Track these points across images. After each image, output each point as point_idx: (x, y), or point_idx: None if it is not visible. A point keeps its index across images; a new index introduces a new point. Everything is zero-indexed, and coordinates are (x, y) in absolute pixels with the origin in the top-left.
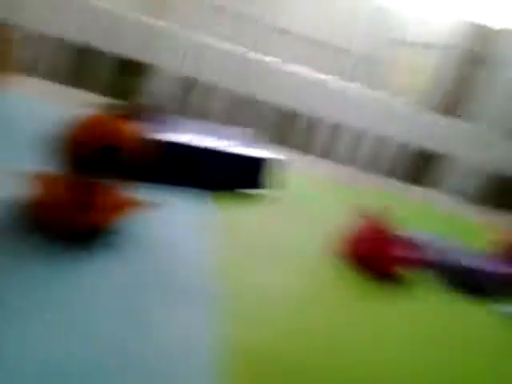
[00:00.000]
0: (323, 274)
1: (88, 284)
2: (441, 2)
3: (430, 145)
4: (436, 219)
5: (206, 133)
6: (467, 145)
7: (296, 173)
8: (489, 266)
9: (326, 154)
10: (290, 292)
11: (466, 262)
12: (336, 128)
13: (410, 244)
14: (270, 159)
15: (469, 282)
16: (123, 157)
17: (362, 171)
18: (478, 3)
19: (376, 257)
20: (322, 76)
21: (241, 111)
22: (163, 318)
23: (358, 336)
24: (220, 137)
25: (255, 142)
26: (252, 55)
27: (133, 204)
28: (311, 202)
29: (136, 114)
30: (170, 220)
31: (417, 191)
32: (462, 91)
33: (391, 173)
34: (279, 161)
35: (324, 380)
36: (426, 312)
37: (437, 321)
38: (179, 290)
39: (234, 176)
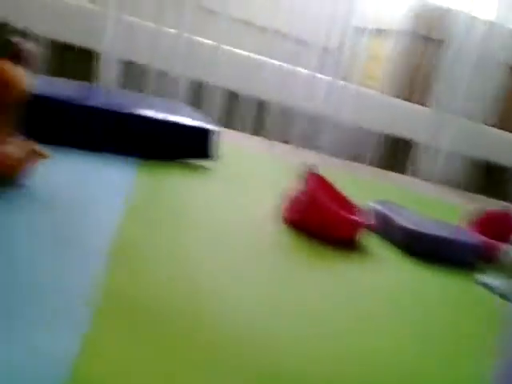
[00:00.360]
0: (257, 240)
1: None
2: None
3: (398, 131)
4: (407, 200)
5: (139, 102)
6: (431, 130)
7: (247, 152)
8: (456, 236)
9: (307, 143)
10: (209, 256)
11: (430, 230)
12: (315, 119)
13: (357, 208)
14: (209, 130)
15: (434, 250)
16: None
17: (335, 157)
18: None
19: (327, 221)
20: (292, 67)
21: (191, 94)
22: (48, 267)
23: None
24: (155, 107)
25: (192, 114)
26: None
27: (33, 155)
28: (255, 175)
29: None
30: (86, 180)
31: (387, 176)
32: (419, 76)
33: (364, 159)
34: (217, 132)
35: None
36: (388, 279)
37: (403, 287)
38: (74, 245)
39: (170, 145)
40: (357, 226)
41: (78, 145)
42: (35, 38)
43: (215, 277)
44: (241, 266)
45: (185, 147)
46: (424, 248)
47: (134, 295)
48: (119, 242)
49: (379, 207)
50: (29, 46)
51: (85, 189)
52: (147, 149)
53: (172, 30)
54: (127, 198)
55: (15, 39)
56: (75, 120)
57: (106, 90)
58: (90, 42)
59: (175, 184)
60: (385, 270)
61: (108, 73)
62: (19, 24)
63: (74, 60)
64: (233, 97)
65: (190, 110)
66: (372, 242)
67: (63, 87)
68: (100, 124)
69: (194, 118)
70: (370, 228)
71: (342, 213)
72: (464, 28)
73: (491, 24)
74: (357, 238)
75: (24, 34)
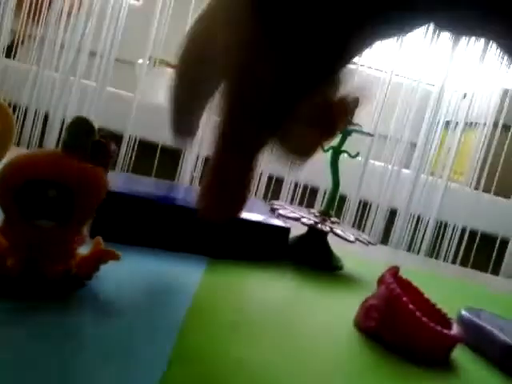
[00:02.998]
0: (333, 354)
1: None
2: (483, 75)
3: (488, 228)
4: (499, 306)
5: None
6: None
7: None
8: None
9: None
10: (273, 371)
11: None
12: (391, 212)
13: (448, 318)
14: (286, 229)
15: None
16: (63, 195)
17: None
18: None
19: (414, 334)
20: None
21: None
22: (98, 380)
23: None
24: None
25: (268, 211)
26: None
27: (101, 254)
28: (340, 277)
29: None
30: (152, 282)
31: (474, 275)
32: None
33: (447, 257)
34: (288, 230)
35: None
36: None
37: None
38: (130, 354)
39: (245, 244)
40: (450, 341)
41: (150, 243)
42: (120, 137)
43: None
44: None
45: (262, 247)
46: None
47: None
48: (180, 353)
49: (472, 317)
50: (113, 147)
51: (149, 290)
52: (220, 248)
53: None
54: (193, 301)
55: (104, 141)
56: (148, 217)
57: (187, 188)
58: (175, 142)
59: (244, 285)
60: None
61: (190, 171)
62: (111, 126)
63: (159, 159)
64: (312, 191)
65: (266, 208)
66: (464, 359)
67: (141, 184)
68: (175, 221)
69: (269, 216)
70: (463, 342)
71: (432, 325)
72: None
73: None
74: (449, 355)
75: (111, 135)
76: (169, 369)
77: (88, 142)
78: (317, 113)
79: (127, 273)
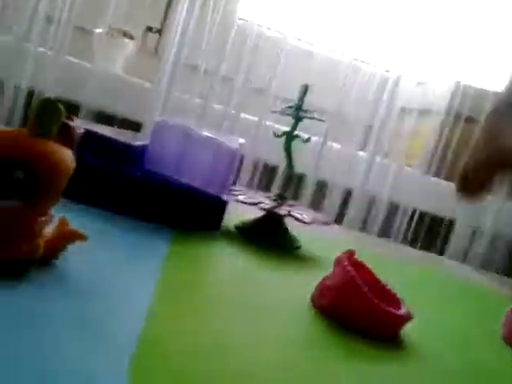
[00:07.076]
0: (286, 327)
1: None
2: (438, 66)
3: (437, 210)
4: (443, 284)
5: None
6: (471, 211)
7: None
8: None
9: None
10: (234, 347)
11: None
12: (349, 194)
13: (398, 298)
14: (224, 201)
15: None
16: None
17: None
18: (476, 66)
19: (366, 314)
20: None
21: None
22: (71, 360)
23: None
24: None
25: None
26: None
27: (67, 234)
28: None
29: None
30: (113, 256)
31: (426, 257)
32: (460, 156)
33: (397, 237)
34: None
35: None
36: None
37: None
38: (99, 334)
39: (194, 215)
40: (399, 320)
41: (116, 208)
42: (78, 108)
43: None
44: (274, 364)
45: (199, 215)
46: None
47: None
48: (149, 332)
49: None
50: (79, 130)
51: (118, 265)
52: (180, 219)
53: (219, 106)
54: (161, 274)
55: (71, 123)
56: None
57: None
58: (137, 114)
59: (209, 261)
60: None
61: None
62: (71, 97)
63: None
64: (271, 170)
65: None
66: (413, 335)
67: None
68: (127, 188)
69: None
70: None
71: (383, 305)
72: None
73: None
74: (398, 333)
75: (73, 106)
76: (138, 347)
77: (56, 124)
78: None
79: (93, 247)
